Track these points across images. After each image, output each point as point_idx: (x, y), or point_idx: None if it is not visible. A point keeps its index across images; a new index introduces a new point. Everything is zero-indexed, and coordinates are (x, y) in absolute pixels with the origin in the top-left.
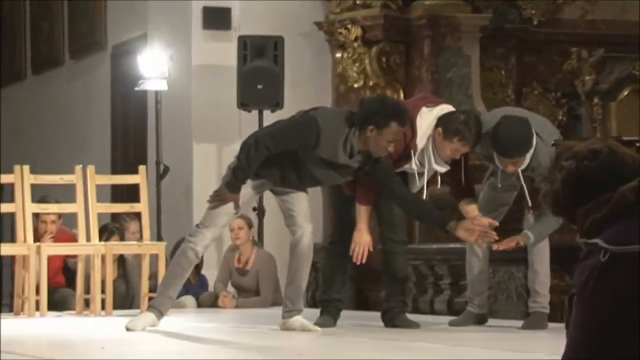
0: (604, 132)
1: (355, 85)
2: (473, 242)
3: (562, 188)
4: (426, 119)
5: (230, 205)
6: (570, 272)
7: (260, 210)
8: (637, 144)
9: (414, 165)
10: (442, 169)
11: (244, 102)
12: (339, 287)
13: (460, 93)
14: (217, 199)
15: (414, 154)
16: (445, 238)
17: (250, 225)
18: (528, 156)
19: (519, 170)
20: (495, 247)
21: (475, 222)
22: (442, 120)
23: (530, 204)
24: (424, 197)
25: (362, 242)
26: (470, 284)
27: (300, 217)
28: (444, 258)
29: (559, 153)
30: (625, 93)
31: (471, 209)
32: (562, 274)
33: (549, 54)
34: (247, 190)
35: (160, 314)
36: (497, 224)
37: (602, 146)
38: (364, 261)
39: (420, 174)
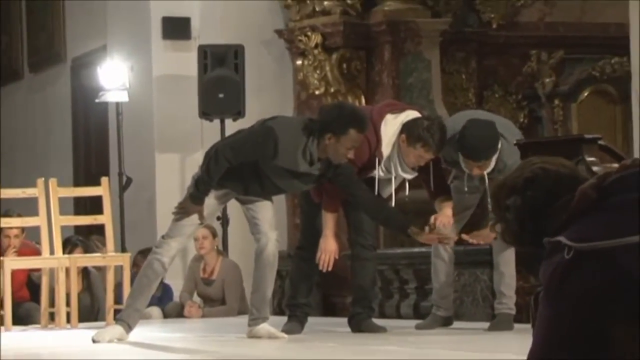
0: (566, 133)
1: (317, 92)
2: (436, 243)
3: (519, 227)
4: (391, 125)
5: (195, 216)
6: (536, 274)
7: (224, 220)
8: (599, 142)
9: (380, 172)
10: (409, 175)
11: (206, 112)
12: (306, 292)
13: (422, 98)
14: (181, 211)
15: (380, 162)
16: (410, 242)
17: (214, 235)
18: (494, 159)
19: (485, 173)
20: (471, 240)
21: (438, 223)
22: (406, 127)
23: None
24: (392, 203)
25: (328, 249)
26: (436, 288)
27: (264, 225)
28: (409, 262)
29: (494, 193)
30: (586, 94)
31: (445, 206)
32: (527, 275)
33: (509, 57)
34: (211, 200)
35: (128, 328)
36: (454, 238)
37: (534, 170)
38: (329, 269)
39: (388, 181)
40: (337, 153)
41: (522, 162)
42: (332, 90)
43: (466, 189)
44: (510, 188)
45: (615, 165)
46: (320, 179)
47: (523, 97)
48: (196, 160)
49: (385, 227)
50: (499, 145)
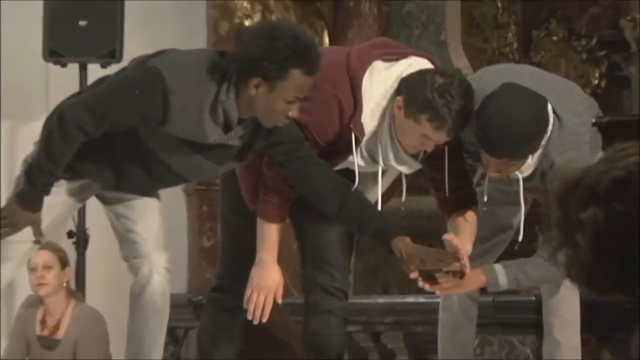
0: None
1: (247, 23)
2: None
3: (595, 259)
4: (381, 80)
5: (28, 229)
6: (614, 345)
7: (80, 237)
8: None
9: (359, 159)
10: (407, 168)
11: (56, 50)
12: None
13: (427, 38)
14: (6, 222)
15: (358, 142)
16: (400, 283)
17: (63, 263)
18: (533, 158)
19: (520, 176)
20: (425, 285)
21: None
22: (405, 85)
23: (521, 237)
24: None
25: (264, 285)
26: None
27: (147, 242)
28: (396, 321)
29: (560, 197)
30: None
31: (463, 230)
32: (600, 347)
33: None
34: (58, 198)
35: None
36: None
37: (628, 167)
38: (264, 319)
39: (373, 177)
40: (270, 110)
41: (609, 151)
42: (273, 19)
43: (485, 198)
44: (587, 191)
45: None
46: (243, 154)
47: (599, 43)
48: (38, 129)
49: (358, 234)
50: (545, 136)
